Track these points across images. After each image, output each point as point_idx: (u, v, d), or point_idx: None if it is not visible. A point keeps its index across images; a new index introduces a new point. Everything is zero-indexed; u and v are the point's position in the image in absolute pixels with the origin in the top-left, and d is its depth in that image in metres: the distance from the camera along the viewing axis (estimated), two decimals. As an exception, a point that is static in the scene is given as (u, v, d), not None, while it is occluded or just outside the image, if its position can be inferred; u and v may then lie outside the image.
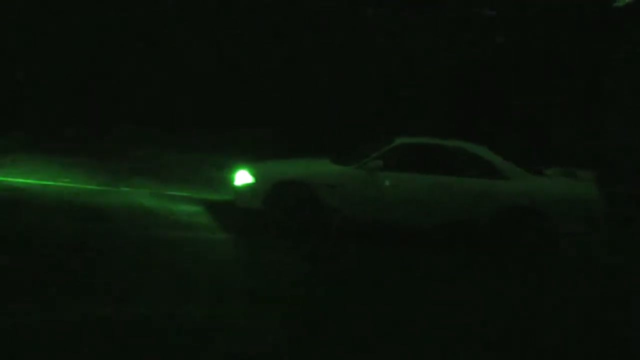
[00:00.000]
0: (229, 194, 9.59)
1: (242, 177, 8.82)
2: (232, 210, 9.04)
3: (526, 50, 14.91)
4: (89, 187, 10.25)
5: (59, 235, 7.45)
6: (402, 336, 5.47)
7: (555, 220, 8.34)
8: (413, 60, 15.22)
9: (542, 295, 7.18)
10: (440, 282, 7.19)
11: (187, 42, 15.07)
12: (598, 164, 13.41)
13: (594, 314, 6.63)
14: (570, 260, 8.83)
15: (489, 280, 7.49)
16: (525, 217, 8.40)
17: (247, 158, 10.14)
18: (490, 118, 14.68)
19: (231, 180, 9.13)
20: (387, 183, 8.59)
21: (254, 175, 8.76)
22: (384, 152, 8.75)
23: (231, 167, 9.43)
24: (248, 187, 8.74)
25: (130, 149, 13.04)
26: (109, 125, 13.82)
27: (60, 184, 10.25)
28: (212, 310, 5.59)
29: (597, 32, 14.62)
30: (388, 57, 15.26)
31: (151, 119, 14.06)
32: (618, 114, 14.63)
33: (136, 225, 8.25)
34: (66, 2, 14.73)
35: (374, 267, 7.57)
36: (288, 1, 15.39)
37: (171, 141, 13.63)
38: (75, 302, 5.44)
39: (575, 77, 14.83)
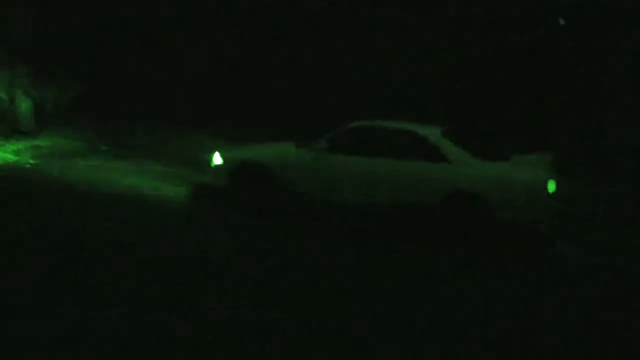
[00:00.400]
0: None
1: (215, 159, 9.49)
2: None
3: (526, 50, 14.90)
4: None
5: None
6: (402, 336, 5.47)
7: (495, 205, 8.39)
8: (413, 60, 15.20)
9: (542, 295, 7.18)
10: (440, 282, 7.19)
11: (187, 42, 15.07)
12: (598, 164, 13.43)
13: (594, 314, 6.63)
14: (570, 260, 8.83)
15: (489, 280, 7.49)
16: (466, 201, 8.49)
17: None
18: (490, 118, 14.65)
19: (209, 162, 9.68)
20: (331, 165, 9.01)
21: (223, 157, 9.43)
22: (336, 134, 9.14)
23: (210, 150, 9.94)
24: (217, 168, 9.43)
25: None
26: (108, 124, 13.81)
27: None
28: (212, 310, 5.59)
29: (597, 32, 14.60)
30: (388, 57, 15.25)
31: (150, 119, 14.05)
32: (618, 114, 14.60)
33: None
34: (66, 2, 14.73)
35: (374, 266, 7.57)
36: (288, 1, 15.40)
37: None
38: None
39: (575, 77, 14.81)
